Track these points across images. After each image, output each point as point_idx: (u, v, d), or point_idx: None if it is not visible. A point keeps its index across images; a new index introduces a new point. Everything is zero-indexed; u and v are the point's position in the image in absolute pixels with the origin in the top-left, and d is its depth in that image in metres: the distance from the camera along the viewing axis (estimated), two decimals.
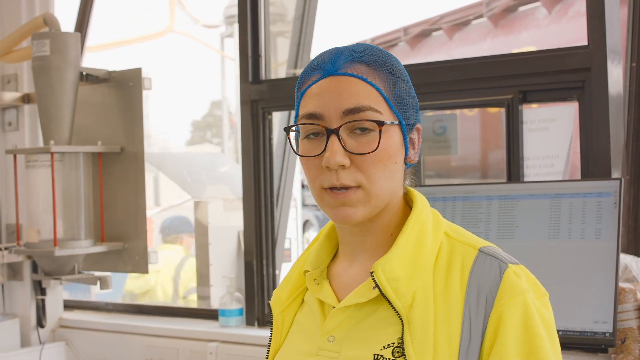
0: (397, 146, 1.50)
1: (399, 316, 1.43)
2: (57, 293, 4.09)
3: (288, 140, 1.57)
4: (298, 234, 5.62)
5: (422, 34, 10.90)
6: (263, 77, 3.68)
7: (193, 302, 5.57)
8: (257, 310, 3.62)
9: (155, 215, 8.57)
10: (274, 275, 3.67)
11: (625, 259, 2.69)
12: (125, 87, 3.55)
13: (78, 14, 4.26)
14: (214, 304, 4.17)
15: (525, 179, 2.96)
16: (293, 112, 4.21)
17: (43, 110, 3.41)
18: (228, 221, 4.26)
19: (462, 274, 1.46)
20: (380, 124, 1.45)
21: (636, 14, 2.96)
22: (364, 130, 1.46)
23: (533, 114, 2.98)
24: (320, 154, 1.47)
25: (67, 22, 3.66)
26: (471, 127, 7.97)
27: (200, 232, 4.26)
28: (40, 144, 3.94)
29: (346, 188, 1.46)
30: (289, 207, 4.17)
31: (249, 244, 3.64)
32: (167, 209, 9.63)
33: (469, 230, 1.58)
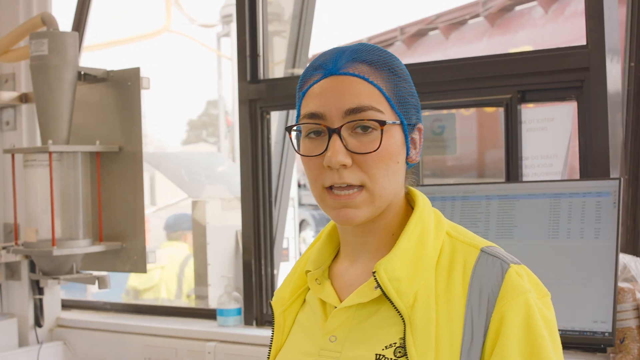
0: (398, 146, 1.50)
1: (401, 316, 1.43)
2: (55, 292, 4.08)
3: (290, 139, 1.56)
4: (295, 234, 5.62)
5: (418, 33, 10.91)
6: (261, 76, 3.67)
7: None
8: (256, 309, 3.62)
9: (151, 214, 8.58)
10: (272, 275, 3.67)
11: (624, 258, 2.70)
12: (124, 86, 3.54)
13: (75, 13, 4.25)
14: (212, 304, 4.16)
15: (524, 179, 2.96)
16: (292, 112, 4.23)
17: (41, 109, 3.40)
18: (226, 221, 4.25)
19: (464, 273, 1.46)
20: (382, 123, 1.46)
21: (634, 13, 2.96)
22: (365, 129, 1.46)
23: (532, 114, 2.98)
24: (321, 153, 1.47)
25: (64, 21, 3.65)
26: (468, 126, 7.98)
27: (198, 232, 4.25)
28: (38, 143, 3.93)
29: (349, 187, 1.46)
30: (287, 206, 4.17)
31: (247, 244, 3.64)
32: (163, 208, 9.63)
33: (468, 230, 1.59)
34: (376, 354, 1.44)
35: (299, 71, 4.42)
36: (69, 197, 3.44)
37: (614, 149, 2.81)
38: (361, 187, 1.46)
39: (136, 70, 3.51)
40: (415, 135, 1.55)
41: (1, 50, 3.67)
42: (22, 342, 3.95)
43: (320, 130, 1.48)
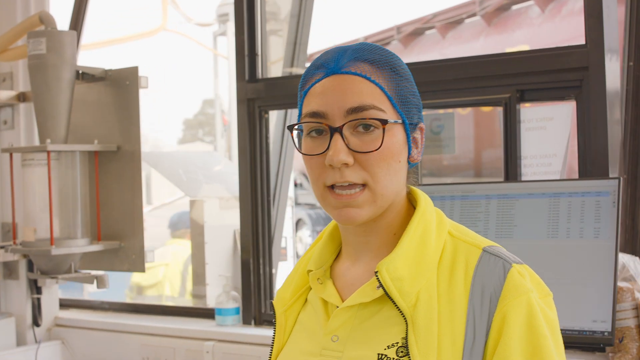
0: (400, 145, 1.50)
1: (403, 316, 1.43)
2: (53, 292, 4.07)
3: (292, 138, 1.56)
4: (293, 233, 5.63)
5: (415, 32, 10.92)
6: (259, 75, 3.67)
7: None
8: (254, 309, 3.62)
9: (147, 213, 8.58)
10: (271, 274, 3.67)
11: (623, 258, 2.70)
12: (122, 85, 3.54)
13: (73, 12, 4.24)
14: (210, 303, 4.16)
15: (523, 178, 2.96)
16: (290, 111, 4.23)
17: (39, 108, 3.40)
18: (224, 220, 4.25)
19: (466, 273, 1.46)
20: (384, 122, 1.46)
21: (633, 13, 2.96)
22: (367, 128, 1.46)
23: (530, 113, 2.98)
24: (323, 152, 1.47)
25: (61, 20, 3.64)
26: (465, 126, 7.99)
27: (196, 231, 4.25)
28: (36, 142, 3.92)
29: (350, 186, 1.46)
30: (285, 205, 4.16)
31: (246, 243, 3.64)
32: (159, 207, 9.62)
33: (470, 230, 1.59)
34: (378, 354, 1.44)
35: (297, 70, 4.42)
36: (67, 196, 3.44)
37: (612, 149, 2.81)
38: (363, 186, 1.46)
39: (134, 70, 3.51)
40: (417, 135, 1.55)
41: None
42: (20, 342, 3.94)
43: (322, 129, 1.48)
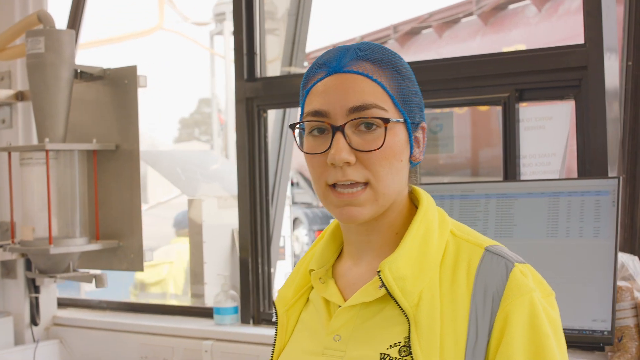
0: (402, 144, 1.50)
1: (406, 315, 1.43)
2: (51, 291, 4.07)
3: (294, 137, 1.56)
4: (291, 232, 5.64)
5: (411, 31, 10.92)
6: (258, 74, 3.67)
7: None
8: (252, 308, 3.62)
9: (143, 212, 8.58)
10: (269, 273, 3.67)
11: (622, 257, 2.70)
12: (120, 84, 3.53)
13: (70, 11, 4.24)
14: (208, 302, 4.16)
15: (522, 178, 2.96)
16: (289, 110, 4.23)
17: (38, 107, 3.39)
18: (222, 219, 4.25)
19: (469, 273, 1.46)
20: (386, 121, 1.46)
21: (632, 12, 2.96)
22: (369, 127, 1.46)
23: (529, 112, 2.98)
24: (325, 151, 1.47)
25: (59, 19, 3.64)
26: (462, 125, 8.00)
27: (194, 231, 4.25)
28: (34, 141, 3.92)
29: (352, 184, 1.46)
30: (284, 204, 4.17)
31: (244, 242, 3.64)
32: (154, 206, 9.62)
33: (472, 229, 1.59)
34: (381, 353, 1.43)
35: (296, 69, 4.42)
36: (65, 195, 3.43)
37: (611, 148, 2.82)
38: (365, 184, 1.46)
39: (133, 69, 3.51)
40: (419, 134, 1.55)
41: None
42: (18, 341, 3.94)
43: (324, 127, 1.48)
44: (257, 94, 3.61)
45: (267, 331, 3.47)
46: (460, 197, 2.82)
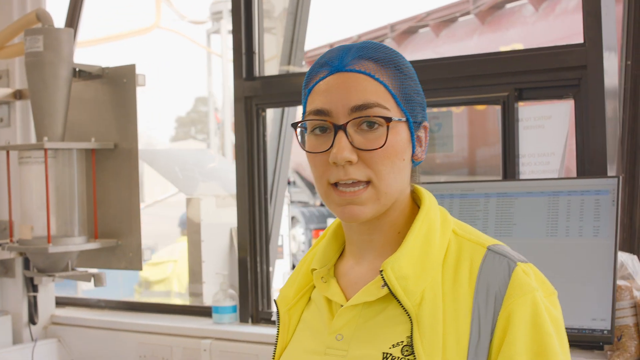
0: (404, 143, 1.49)
1: (408, 315, 1.43)
2: (49, 290, 4.07)
3: (295, 136, 1.56)
4: (289, 231, 5.64)
5: (408, 30, 10.93)
6: (257, 73, 3.67)
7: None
8: (251, 307, 3.62)
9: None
10: (268, 272, 3.67)
11: (621, 256, 2.70)
12: (119, 83, 3.53)
13: (68, 10, 4.24)
14: (207, 301, 4.16)
15: (521, 177, 2.96)
16: (287, 109, 4.23)
17: (36, 106, 3.39)
18: (220, 218, 4.25)
19: (471, 272, 1.46)
20: (388, 120, 1.45)
21: (631, 12, 2.96)
22: (371, 126, 1.46)
23: (529, 112, 2.98)
24: (327, 150, 1.47)
25: (57, 17, 3.63)
26: (459, 124, 8.00)
27: (193, 229, 4.24)
28: (32, 140, 3.92)
29: (354, 183, 1.46)
30: (282, 203, 4.17)
31: (243, 241, 3.64)
32: (151, 204, 9.62)
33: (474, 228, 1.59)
34: (383, 353, 1.43)
35: (295, 68, 4.42)
36: (64, 194, 3.43)
37: (610, 147, 2.82)
38: (367, 183, 1.46)
39: (132, 67, 3.51)
40: (421, 133, 1.55)
41: None
42: (17, 340, 3.94)
43: (326, 126, 1.48)
44: (255, 93, 3.61)
45: (265, 330, 3.47)
46: (459, 196, 2.82)
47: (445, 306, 1.43)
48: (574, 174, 2.89)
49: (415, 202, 1.58)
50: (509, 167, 2.98)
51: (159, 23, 11.07)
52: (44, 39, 3.36)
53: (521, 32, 8.86)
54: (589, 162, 2.82)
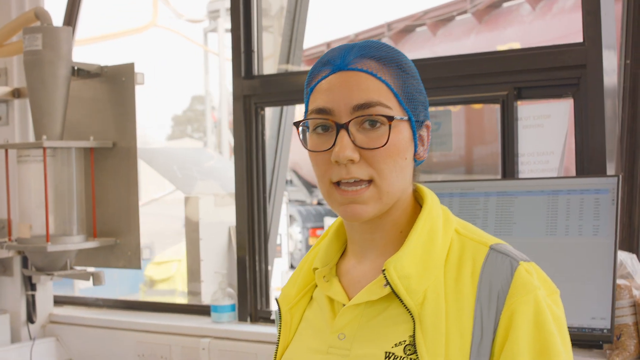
0: (406, 142, 1.49)
1: (410, 314, 1.43)
2: (47, 288, 4.07)
3: (297, 135, 1.55)
4: (287, 230, 5.65)
5: (405, 29, 10.93)
6: (256, 72, 3.67)
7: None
8: (250, 306, 3.62)
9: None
10: (267, 271, 3.67)
11: (620, 255, 2.70)
12: (118, 82, 3.53)
13: (66, 8, 4.23)
14: (205, 300, 4.16)
15: (520, 176, 2.96)
16: (286, 108, 4.23)
17: (35, 105, 3.39)
18: (219, 217, 4.25)
19: (473, 271, 1.46)
20: (390, 118, 1.45)
21: (630, 11, 2.97)
22: (373, 125, 1.46)
23: (528, 111, 2.98)
24: (329, 148, 1.46)
25: (54, 15, 3.63)
26: (456, 123, 8.00)
27: (191, 228, 4.24)
28: (31, 138, 3.91)
29: (356, 182, 1.45)
30: (281, 202, 4.17)
31: (242, 240, 3.64)
32: (147, 203, 9.62)
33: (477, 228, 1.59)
34: (386, 352, 1.43)
35: (293, 67, 4.42)
36: (62, 192, 3.43)
37: (609, 146, 2.82)
38: (369, 182, 1.46)
39: (130, 66, 3.50)
40: (423, 132, 1.55)
41: None
42: (15, 339, 3.94)
43: (328, 125, 1.48)
44: (254, 92, 3.61)
45: (264, 329, 3.47)
46: (459, 195, 2.82)
47: (448, 305, 1.43)
48: (573, 173, 2.89)
49: (418, 201, 1.58)
50: (508, 166, 2.98)
51: (156, 21, 11.07)
52: (43, 37, 3.35)
53: (518, 31, 8.87)
54: (588, 161, 2.82)
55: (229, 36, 3.70)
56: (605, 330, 2.51)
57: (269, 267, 3.70)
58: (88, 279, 3.45)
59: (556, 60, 2.90)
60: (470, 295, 1.43)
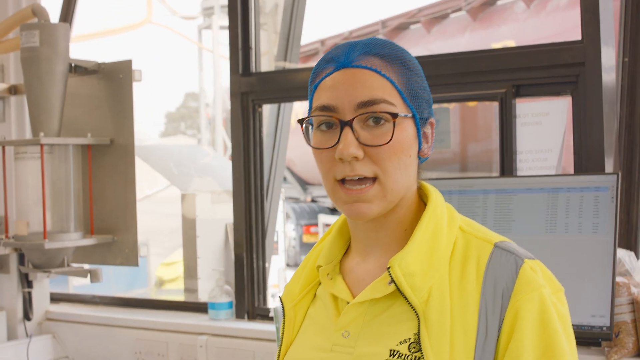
0: (410, 139, 1.49)
1: (415, 312, 1.43)
2: (44, 286, 4.06)
3: (302, 132, 1.55)
4: (283, 227, 5.67)
5: (400, 27, 10.93)
6: (253, 69, 3.66)
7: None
8: (247, 303, 3.62)
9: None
10: (264, 268, 3.67)
11: (619, 253, 2.70)
12: (115, 79, 3.52)
13: (63, 5, 4.22)
14: (202, 297, 4.15)
15: (518, 173, 2.97)
16: (283, 105, 4.23)
17: (32, 101, 3.38)
18: (215, 214, 4.24)
19: (478, 269, 1.46)
20: (394, 115, 1.45)
21: (628, 8, 2.97)
22: (377, 122, 1.45)
23: (526, 108, 2.98)
24: (333, 146, 1.46)
25: (50, 12, 3.62)
26: (451, 120, 8.01)
27: (188, 226, 4.23)
28: (27, 135, 3.91)
29: (361, 180, 1.45)
30: (278, 199, 4.16)
31: (239, 237, 3.64)
32: (141, 199, 9.60)
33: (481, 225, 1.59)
34: (390, 350, 1.43)
35: (290, 65, 4.42)
36: (60, 189, 3.42)
37: (607, 144, 2.83)
38: (374, 179, 1.46)
39: (128, 63, 3.50)
40: (428, 130, 1.56)
41: None
42: (11, 336, 3.93)
43: (332, 122, 1.48)
44: (252, 89, 3.61)
45: (262, 326, 3.47)
46: (458, 192, 2.83)
47: (453, 303, 1.43)
48: (571, 171, 2.89)
49: (422, 199, 1.58)
50: (507, 164, 2.98)
51: (150, 18, 11.05)
52: (40, 34, 3.34)
53: (513, 28, 8.87)
54: (586, 158, 2.82)
55: (223, 33, 3.70)
56: (604, 328, 2.52)
57: (267, 265, 3.69)
58: (85, 277, 3.44)
59: (555, 58, 2.90)
60: (475, 293, 1.43)
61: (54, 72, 3.36)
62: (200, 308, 3.78)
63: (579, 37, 2.87)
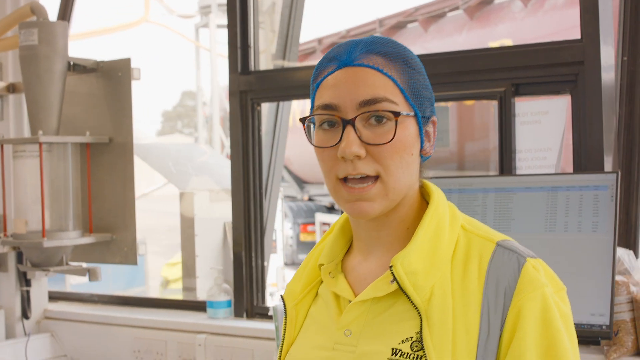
0: (412, 138, 1.49)
1: (417, 310, 1.43)
2: (42, 284, 4.06)
3: (304, 131, 1.55)
4: (282, 225, 5.67)
5: (397, 25, 10.93)
6: (252, 68, 3.66)
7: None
8: (246, 301, 3.61)
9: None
10: (263, 267, 3.66)
11: (618, 251, 2.71)
12: (114, 77, 3.52)
13: (61, 3, 4.22)
14: (200, 296, 4.15)
15: (518, 172, 2.97)
16: (282, 104, 4.23)
17: (31, 100, 3.37)
18: (214, 212, 4.24)
19: (480, 267, 1.46)
20: (396, 114, 1.45)
21: (627, 7, 2.97)
22: (379, 121, 1.45)
23: (526, 107, 2.98)
24: (335, 144, 1.46)
25: (49, 10, 3.62)
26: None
27: (186, 224, 4.24)
28: (26, 133, 3.90)
29: (363, 179, 1.45)
30: (277, 198, 4.16)
31: (238, 236, 3.63)
32: (138, 197, 9.58)
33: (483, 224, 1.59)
34: (392, 348, 1.43)
35: (289, 63, 4.42)
36: (58, 188, 3.42)
37: (607, 143, 2.83)
38: (376, 178, 1.46)
39: (127, 61, 3.49)
40: (430, 128, 1.55)
41: None
42: (9, 334, 3.93)
43: (334, 121, 1.47)
44: (250, 87, 3.61)
45: (260, 325, 3.47)
46: (457, 191, 2.83)
47: (455, 302, 1.43)
48: (570, 170, 2.89)
49: (424, 198, 1.58)
50: (506, 163, 2.98)
51: (147, 17, 11.04)
52: (39, 32, 3.34)
53: (510, 27, 8.87)
54: (585, 157, 2.82)
55: (220, 31, 3.69)
56: (604, 327, 2.52)
57: (265, 263, 3.69)
58: (84, 275, 3.43)
59: (554, 56, 2.90)
60: (477, 292, 1.43)
61: (53, 71, 3.36)
62: (199, 307, 3.78)
63: (577, 36, 2.87)
